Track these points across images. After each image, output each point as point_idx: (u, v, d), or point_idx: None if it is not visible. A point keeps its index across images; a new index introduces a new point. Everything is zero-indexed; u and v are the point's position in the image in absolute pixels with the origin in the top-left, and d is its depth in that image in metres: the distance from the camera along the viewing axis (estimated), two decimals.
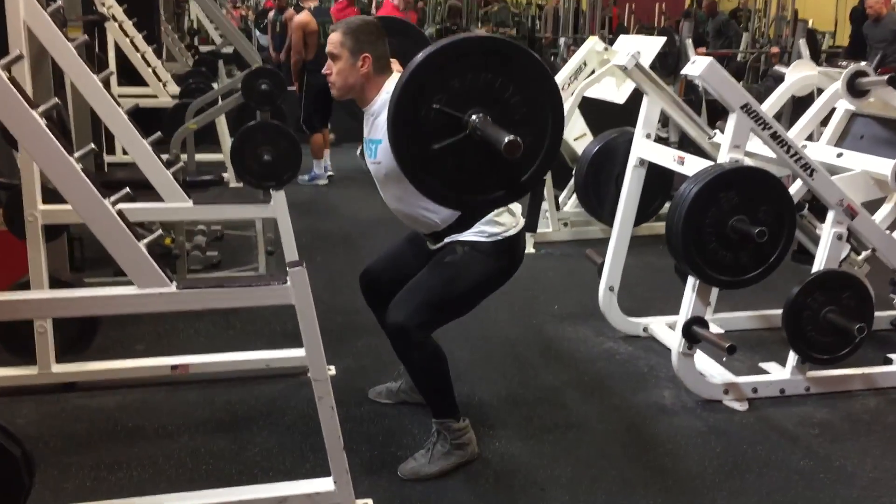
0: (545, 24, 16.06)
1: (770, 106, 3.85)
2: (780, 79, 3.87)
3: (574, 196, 5.27)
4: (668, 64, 7.86)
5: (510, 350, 3.66)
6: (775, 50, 9.14)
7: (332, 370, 3.38)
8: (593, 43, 5.30)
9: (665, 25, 12.32)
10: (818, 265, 3.15)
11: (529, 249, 5.14)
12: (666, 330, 3.71)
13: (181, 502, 2.35)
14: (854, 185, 3.25)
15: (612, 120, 4.99)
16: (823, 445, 2.91)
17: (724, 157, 2.96)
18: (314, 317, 2.23)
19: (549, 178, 5.20)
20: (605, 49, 5.25)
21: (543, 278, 4.68)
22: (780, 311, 3.11)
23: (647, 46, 5.12)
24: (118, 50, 6.83)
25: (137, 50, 6.77)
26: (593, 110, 5.37)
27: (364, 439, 2.86)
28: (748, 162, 3.11)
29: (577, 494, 2.58)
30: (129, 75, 7.09)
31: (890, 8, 7.50)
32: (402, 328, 2.54)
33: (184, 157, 5.57)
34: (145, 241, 2.15)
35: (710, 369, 3.31)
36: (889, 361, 3.44)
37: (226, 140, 6.15)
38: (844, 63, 4.28)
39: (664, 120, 6.45)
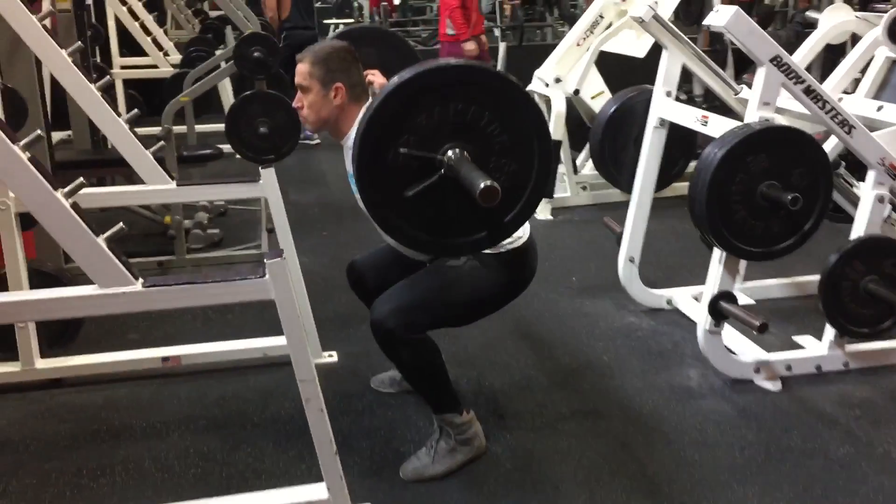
0: None
1: (802, 57, 3.54)
2: (809, 25, 3.55)
3: None
4: (691, 13, 7.46)
5: (523, 329, 3.42)
6: None
7: (335, 356, 3.19)
8: None
9: None
10: (857, 231, 2.88)
11: (546, 216, 4.91)
12: (691, 302, 3.46)
13: None
14: None
15: (632, 76, 4.68)
16: (865, 429, 2.66)
17: (752, 115, 2.68)
18: (296, 313, 2.01)
19: (565, 139, 4.94)
20: (623, 0, 4.92)
21: (560, 247, 4.43)
22: (816, 278, 2.85)
23: None
24: (118, 18, 6.61)
25: (136, 18, 6.54)
26: (612, 66, 5.05)
27: (364, 435, 2.65)
28: (779, 120, 2.84)
29: (595, 492, 2.36)
30: (132, 45, 6.88)
31: None
32: (384, 327, 2.31)
33: (183, 129, 5.38)
34: (104, 235, 1.94)
35: (740, 345, 3.06)
36: None
37: None
38: (884, 5, 3.94)
39: (687, 75, 6.13)
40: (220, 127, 6.29)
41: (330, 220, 4.93)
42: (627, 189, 3.50)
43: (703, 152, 2.66)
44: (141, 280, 1.94)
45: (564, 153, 4.95)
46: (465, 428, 2.46)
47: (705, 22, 2.72)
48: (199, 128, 5.70)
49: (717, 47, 7.48)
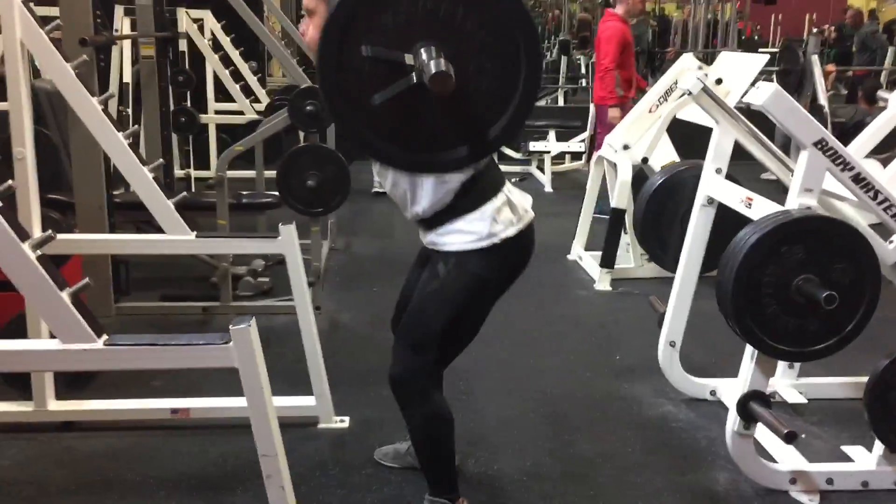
0: (674, 38, 15.36)
1: (868, 137, 3.27)
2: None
3: None
4: (790, 82, 7.15)
5: (550, 408, 3.23)
6: None
7: (346, 422, 3.08)
8: (686, 61, 4.79)
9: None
10: None
11: (605, 287, 4.70)
12: None
13: None
14: None
15: (706, 147, 4.45)
16: None
17: (792, 201, 2.46)
18: (260, 384, 1.93)
19: (630, 204, 4.74)
20: (700, 67, 4.72)
21: (611, 322, 4.22)
22: None
23: (748, 66, 4.57)
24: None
25: (227, 66, 6.75)
26: (686, 135, 4.84)
27: None
28: (842, 209, 2.60)
29: None
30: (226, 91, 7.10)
31: None
32: (397, 379, 2.24)
33: (249, 173, 5.48)
34: (69, 289, 1.91)
35: (779, 451, 2.79)
36: None
37: None
38: None
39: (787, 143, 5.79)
40: None
41: (384, 276, 4.86)
42: (672, 268, 3.29)
43: (736, 237, 2.45)
44: (104, 337, 1.90)
45: (629, 220, 4.75)
46: None
47: (745, 98, 2.52)
48: (269, 174, 5.78)
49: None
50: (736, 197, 2.86)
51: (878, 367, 2.52)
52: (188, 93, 6.88)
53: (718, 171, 3.08)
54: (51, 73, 2.75)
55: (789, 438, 2.37)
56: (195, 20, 6.77)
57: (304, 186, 4.00)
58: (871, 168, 2.93)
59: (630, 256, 4.89)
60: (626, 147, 4.73)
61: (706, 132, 4.72)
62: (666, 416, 3.20)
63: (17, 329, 2.84)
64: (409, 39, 1.72)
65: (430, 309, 2.24)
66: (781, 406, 3.19)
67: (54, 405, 2.95)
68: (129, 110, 6.37)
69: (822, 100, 6.60)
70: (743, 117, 3.05)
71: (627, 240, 4.84)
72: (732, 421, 2.61)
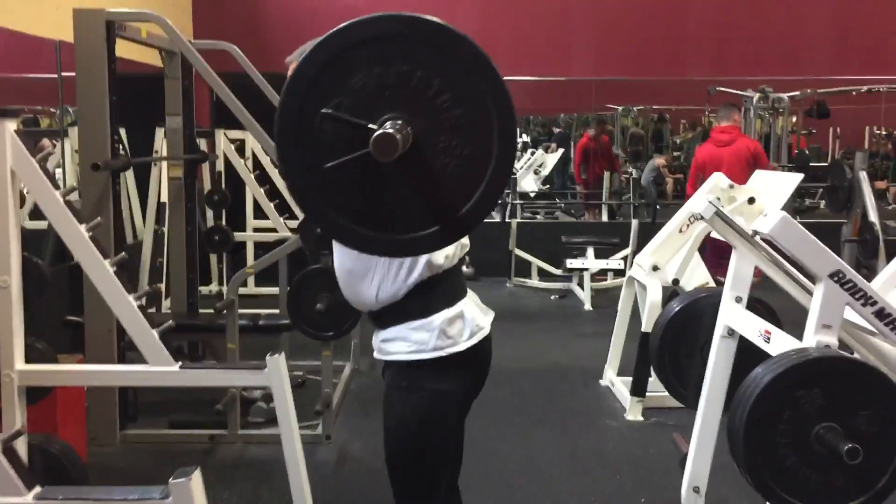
0: None
1: None
2: None
3: None
4: (838, 200, 6.88)
5: None
6: None
7: None
8: (717, 179, 4.62)
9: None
10: None
11: (636, 417, 4.42)
12: None
13: None
14: None
15: None
16: None
17: (808, 339, 2.23)
18: None
19: None
20: (731, 186, 4.55)
21: (640, 458, 3.92)
22: None
23: (782, 185, 4.39)
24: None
25: (263, 184, 6.82)
26: None
27: None
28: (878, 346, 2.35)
29: None
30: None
31: None
32: None
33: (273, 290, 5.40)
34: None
35: None
36: None
37: None
38: None
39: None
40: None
41: None
42: (692, 405, 3.03)
43: (747, 378, 2.21)
44: (37, 489, 1.76)
45: None
46: None
47: (753, 226, 2.33)
48: None
49: (866, 237, 6.81)
50: (754, 329, 2.63)
51: None
52: (223, 211, 6.95)
53: (738, 299, 2.85)
54: (38, 200, 2.71)
55: None
56: (233, 140, 6.91)
57: (314, 310, 3.88)
58: None
59: None
60: (655, 268, 4.53)
61: None
62: None
63: None
64: (378, 108, 1.59)
65: (399, 463, 2.08)
66: None
67: None
68: (166, 229, 6.44)
69: (873, 216, 6.30)
70: (762, 242, 2.84)
71: None
72: None
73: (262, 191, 6.71)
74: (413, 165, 1.59)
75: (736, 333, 2.86)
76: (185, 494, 1.71)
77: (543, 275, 8.24)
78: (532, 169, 11.71)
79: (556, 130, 15.10)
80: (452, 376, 2.05)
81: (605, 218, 9.97)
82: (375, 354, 2.14)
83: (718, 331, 2.90)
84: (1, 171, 2.64)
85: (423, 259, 2.00)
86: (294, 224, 6.71)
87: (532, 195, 11.38)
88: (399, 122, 1.55)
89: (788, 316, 2.98)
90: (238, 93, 3.83)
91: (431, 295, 2.02)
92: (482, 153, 1.60)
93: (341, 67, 1.56)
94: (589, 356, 5.44)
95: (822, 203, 9.48)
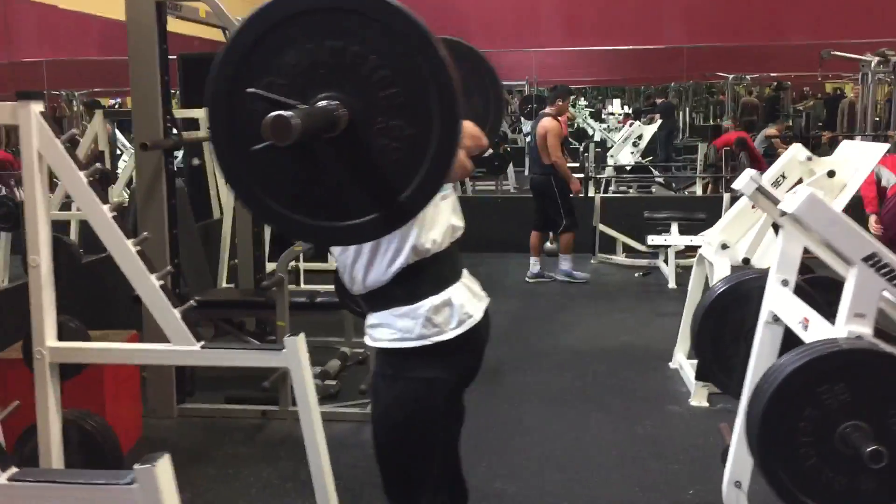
0: (841, 120, 14.37)
1: None
2: None
3: None
4: None
5: None
6: None
7: None
8: (795, 151, 4.30)
9: None
10: None
11: (701, 403, 4.21)
12: None
13: None
14: None
15: None
16: None
17: (840, 329, 2.02)
18: None
19: None
20: (810, 158, 4.23)
21: (697, 446, 3.72)
22: None
23: (866, 156, 4.05)
24: None
25: None
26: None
27: None
28: None
29: None
30: None
31: None
32: None
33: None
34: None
35: None
36: None
37: None
38: None
39: None
40: None
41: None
42: (735, 394, 2.82)
43: (770, 367, 2.03)
44: (12, 470, 1.78)
45: None
46: None
47: (779, 207, 2.13)
48: None
49: None
50: (795, 316, 2.42)
51: None
52: None
53: (785, 282, 2.63)
54: (63, 181, 2.77)
55: None
56: None
57: None
58: None
59: None
60: (724, 246, 4.28)
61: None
62: None
63: None
64: (311, 87, 1.51)
65: (385, 452, 2.02)
66: None
67: None
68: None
69: None
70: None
71: None
72: None
73: None
74: (349, 148, 1.50)
75: (782, 320, 2.65)
76: (151, 481, 1.68)
77: (629, 251, 7.98)
78: (630, 141, 11.36)
79: (659, 101, 14.61)
80: (440, 364, 1.97)
81: (699, 192, 9.58)
82: (365, 339, 2.08)
83: (763, 316, 2.70)
84: (28, 154, 2.70)
85: (409, 242, 1.92)
86: None
87: (628, 168, 11.04)
88: (335, 101, 1.47)
89: None
90: None
91: (418, 280, 1.93)
92: (422, 135, 1.49)
93: (273, 44, 1.48)
94: (663, 337, 5.22)
95: None
